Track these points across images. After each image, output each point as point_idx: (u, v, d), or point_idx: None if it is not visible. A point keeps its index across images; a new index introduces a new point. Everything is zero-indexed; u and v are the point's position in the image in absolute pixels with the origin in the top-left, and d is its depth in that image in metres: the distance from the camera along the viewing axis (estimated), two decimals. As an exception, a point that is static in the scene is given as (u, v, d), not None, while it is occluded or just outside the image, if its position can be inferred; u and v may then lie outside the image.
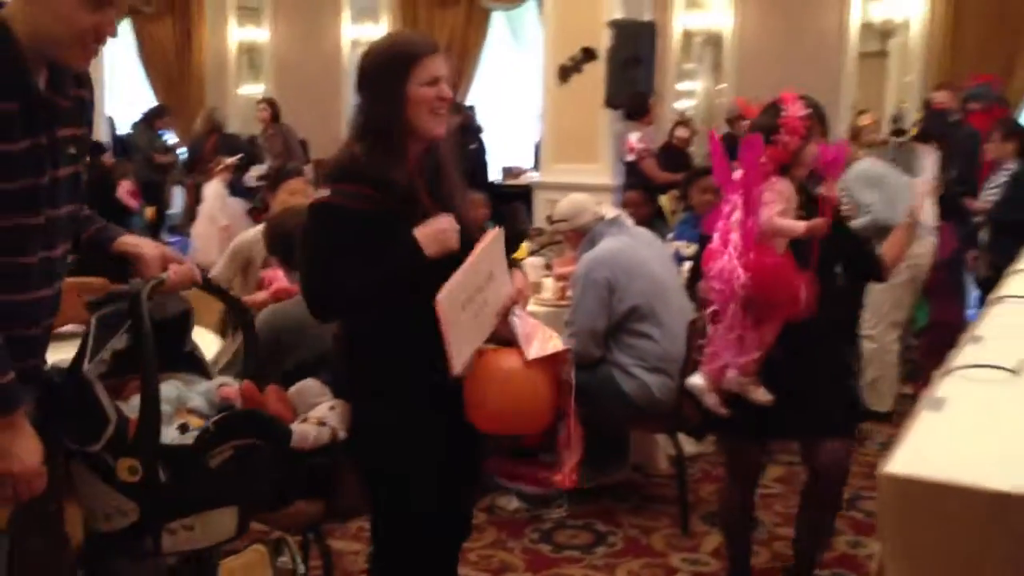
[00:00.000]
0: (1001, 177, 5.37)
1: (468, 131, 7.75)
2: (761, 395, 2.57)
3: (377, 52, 2.09)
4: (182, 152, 9.72)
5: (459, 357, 1.94)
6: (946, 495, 0.97)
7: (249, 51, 11.51)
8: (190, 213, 7.88)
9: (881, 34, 8.69)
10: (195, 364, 2.02)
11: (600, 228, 3.66)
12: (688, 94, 9.73)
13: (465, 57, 9.94)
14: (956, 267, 5.26)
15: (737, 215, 2.49)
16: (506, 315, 2.08)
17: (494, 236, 2.07)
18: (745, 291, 2.43)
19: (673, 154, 6.61)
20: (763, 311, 2.52)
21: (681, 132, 6.95)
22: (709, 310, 2.56)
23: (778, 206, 2.58)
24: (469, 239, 2.04)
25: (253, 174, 7.19)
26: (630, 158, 6.75)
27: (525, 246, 4.78)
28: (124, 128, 10.26)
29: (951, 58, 8.02)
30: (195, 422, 1.82)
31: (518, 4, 9.74)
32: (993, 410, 1.22)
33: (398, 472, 2.08)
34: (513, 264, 2.23)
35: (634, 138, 6.71)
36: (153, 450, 1.71)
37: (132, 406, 1.78)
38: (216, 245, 4.78)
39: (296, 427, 1.93)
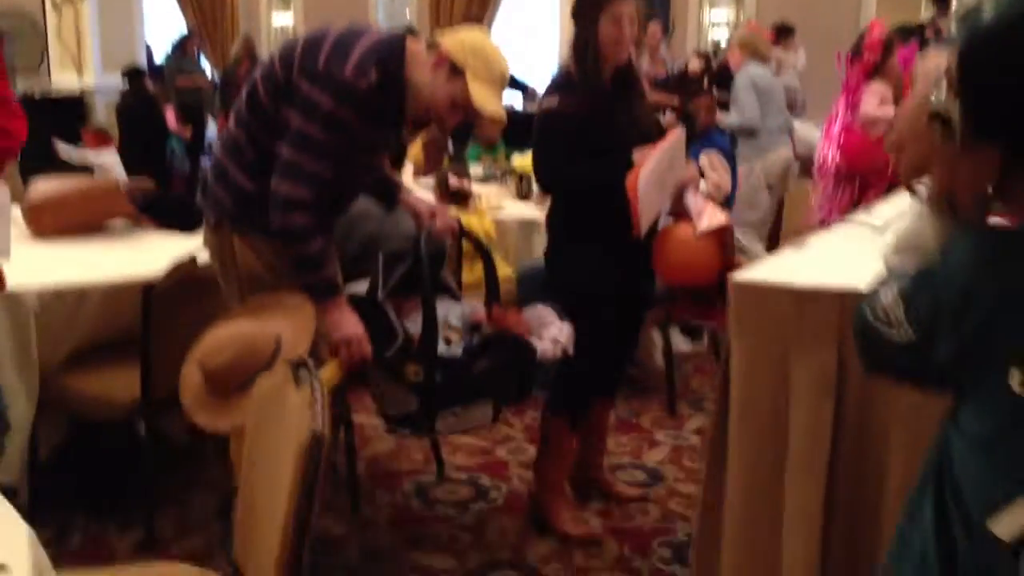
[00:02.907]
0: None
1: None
2: None
3: None
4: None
5: (644, 222, 2.64)
6: (765, 292, 1.36)
7: (280, -21, 11.75)
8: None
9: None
10: (447, 289, 2.58)
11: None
12: (717, 25, 9.89)
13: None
14: None
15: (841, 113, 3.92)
16: (681, 194, 2.83)
17: (678, 135, 2.79)
18: (835, 166, 3.76)
19: (684, 80, 6.91)
20: (864, 179, 3.83)
21: (693, 64, 7.26)
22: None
23: (874, 100, 3.86)
24: (648, 131, 2.80)
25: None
26: None
27: None
28: (159, 57, 10.61)
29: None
30: (454, 337, 2.34)
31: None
32: (837, 250, 1.60)
33: (589, 292, 2.79)
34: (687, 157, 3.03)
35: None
36: (433, 359, 2.22)
37: (412, 321, 2.31)
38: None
39: (538, 344, 2.43)
